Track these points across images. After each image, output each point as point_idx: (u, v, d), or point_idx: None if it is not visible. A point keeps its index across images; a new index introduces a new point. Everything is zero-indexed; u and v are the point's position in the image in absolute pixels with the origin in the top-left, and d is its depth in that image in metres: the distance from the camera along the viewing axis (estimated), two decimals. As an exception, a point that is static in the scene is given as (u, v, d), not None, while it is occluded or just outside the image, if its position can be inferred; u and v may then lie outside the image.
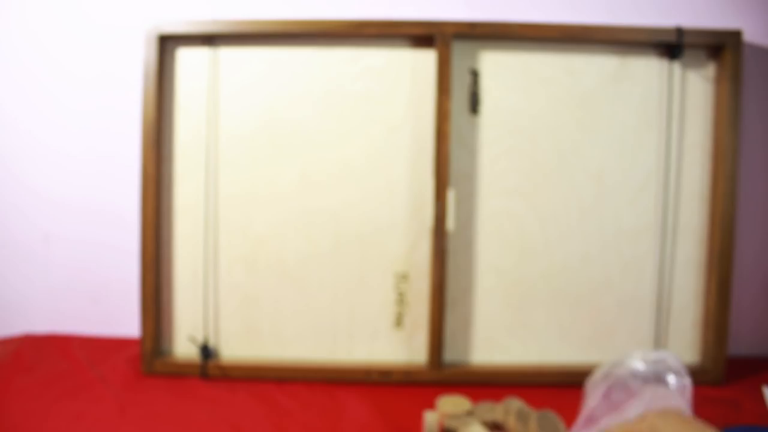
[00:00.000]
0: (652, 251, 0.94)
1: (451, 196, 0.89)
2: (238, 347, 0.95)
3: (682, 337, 0.94)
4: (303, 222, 0.93)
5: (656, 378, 0.76)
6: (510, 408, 0.71)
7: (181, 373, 0.92)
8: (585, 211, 0.93)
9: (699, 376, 0.87)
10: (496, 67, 0.92)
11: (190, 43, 0.92)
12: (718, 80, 0.91)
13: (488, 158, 0.92)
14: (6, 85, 1.03)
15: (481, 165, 0.92)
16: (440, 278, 0.90)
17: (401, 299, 0.94)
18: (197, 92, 0.93)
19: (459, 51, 0.91)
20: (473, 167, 0.92)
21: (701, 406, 0.72)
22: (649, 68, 0.92)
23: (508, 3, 0.98)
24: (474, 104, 0.91)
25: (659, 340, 0.94)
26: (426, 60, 0.91)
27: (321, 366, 0.92)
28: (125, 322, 1.03)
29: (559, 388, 0.88)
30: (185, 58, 0.93)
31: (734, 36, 0.89)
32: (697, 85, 0.92)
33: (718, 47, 0.90)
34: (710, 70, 0.92)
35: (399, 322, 0.94)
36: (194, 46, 0.93)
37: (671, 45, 0.90)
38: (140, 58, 0.93)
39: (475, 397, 0.80)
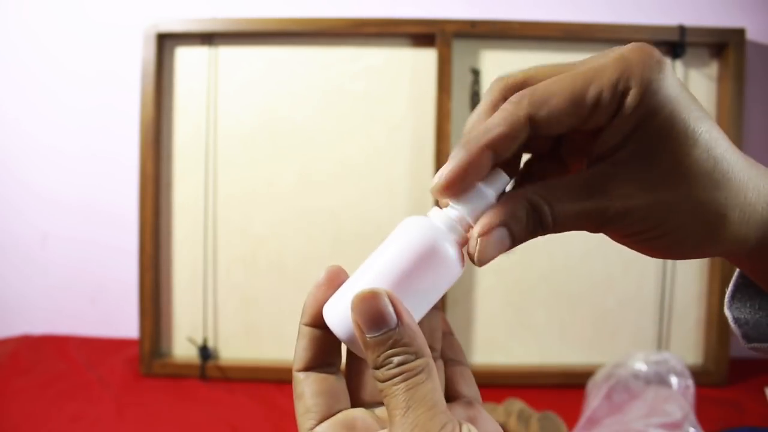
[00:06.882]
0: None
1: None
2: (237, 348, 0.94)
3: (685, 338, 0.94)
4: (303, 222, 0.93)
5: (658, 379, 0.75)
6: (511, 409, 0.71)
7: (180, 374, 0.91)
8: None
9: (701, 377, 0.86)
10: (497, 66, 0.91)
11: (188, 42, 0.92)
12: (721, 79, 0.91)
13: (489, 158, 0.92)
14: (4, 83, 1.02)
15: (481, 164, 0.92)
16: (441, 278, 0.89)
17: (401, 299, 0.93)
18: (196, 91, 0.92)
19: (460, 50, 0.90)
20: (474, 167, 0.92)
21: (704, 408, 0.72)
22: (651, 67, 0.91)
23: (509, 1, 0.97)
24: (475, 103, 0.91)
25: (661, 341, 0.94)
26: (426, 59, 0.91)
27: (321, 367, 0.92)
28: (124, 322, 1.03)
29: (561, 389, 0.87)
30: (184, 56, 0.92)
31: (737, 34, 0.88)
32: (699, 84, 0.92)
33: (721, 46, 0.90)
34: (713, 68, 0.92)
35: (399, 322, 0.94)
36: (193, 45, 0.92)
37: (674, 43, 0.89)
38: (139, 56, 0.93)
39: (476, 399, 0.79)
